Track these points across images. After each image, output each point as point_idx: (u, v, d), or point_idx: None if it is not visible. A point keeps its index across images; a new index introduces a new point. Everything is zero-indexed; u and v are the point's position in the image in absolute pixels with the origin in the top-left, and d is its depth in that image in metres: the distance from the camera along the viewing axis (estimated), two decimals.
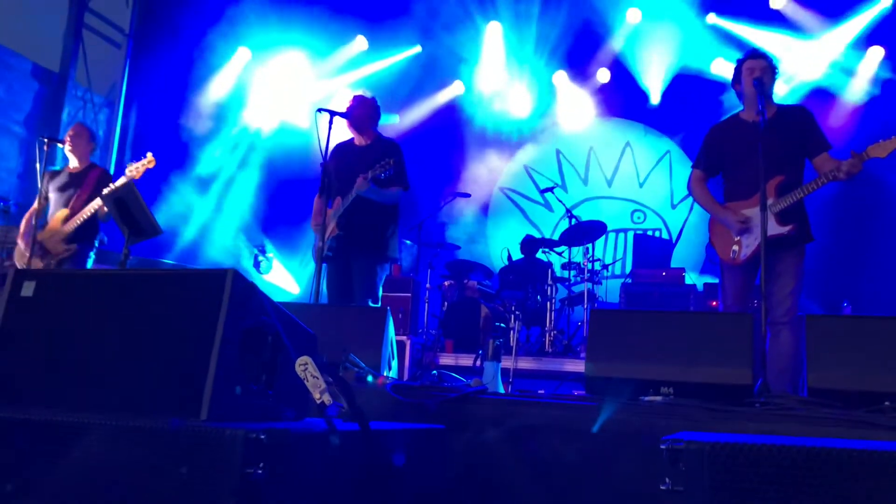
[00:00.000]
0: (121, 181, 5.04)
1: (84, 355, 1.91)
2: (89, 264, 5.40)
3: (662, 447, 1.61)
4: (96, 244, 5.47)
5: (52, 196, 5.43)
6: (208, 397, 1.73)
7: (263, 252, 9.21)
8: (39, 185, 5.31)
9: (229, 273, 1.87)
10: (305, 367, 1.87)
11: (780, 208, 3.92)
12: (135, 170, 5.07)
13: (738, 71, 4.23)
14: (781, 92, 7.97)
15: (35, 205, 5.50)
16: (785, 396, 2.81)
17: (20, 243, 5.41)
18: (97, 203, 5.14)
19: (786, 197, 3.91)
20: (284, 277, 9.40)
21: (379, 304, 4.91)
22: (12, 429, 1.76)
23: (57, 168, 5.70)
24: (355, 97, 5.02)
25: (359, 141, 5.04)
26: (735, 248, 4.09)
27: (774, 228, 3.88)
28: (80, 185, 5.39)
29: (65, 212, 5.31)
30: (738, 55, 4.35)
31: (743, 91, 4.20)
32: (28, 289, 2.06)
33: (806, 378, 2.89)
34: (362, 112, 4.96)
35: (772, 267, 3.88)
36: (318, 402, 1.82)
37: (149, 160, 5.08)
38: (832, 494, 1.47)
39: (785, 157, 3.97)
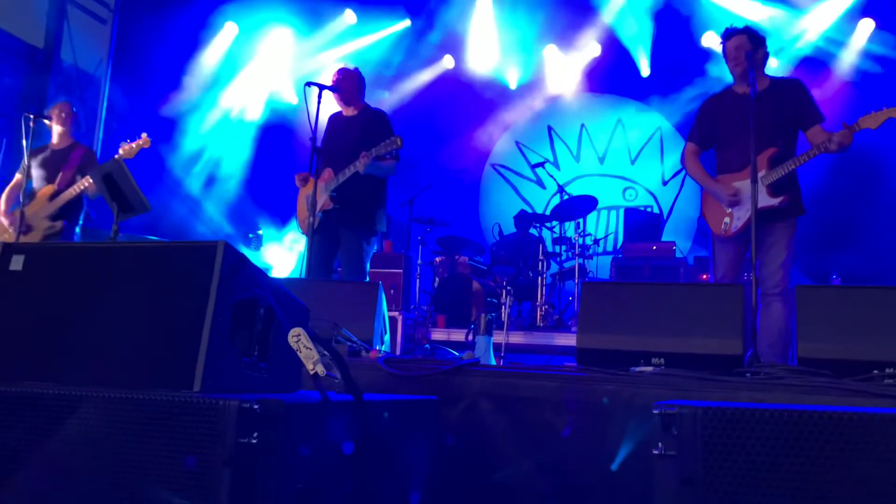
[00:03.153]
0: (115, 158, 5.01)
1: (75, 329, 1.90)
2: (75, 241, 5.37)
3: (655, 412, 1.63)
4: (81, 221, 5.44)
5: (35, 173, 5.38)
6: (201, 369, 1.73)
7: (254, 229, 9.16)
8: (25, 162, 5.25)
9: (220, 245, 1.85)
10: (298, 338, 1.87)
11: (772, 180, 3.94)
12: (128, 149, 5.03)
13: (724, 49, 4.22)
14: (773, 64, 7.96)
15: (15, 179, 5.47)
16: (775, 366, 2.83)
17: (3, 220, 5.37)
18: (87, 180, 5.11)
19: (777, 169, 3.92)
20: (275, 254, 9.37)
21: (366, 279, 4.91)
22: (4, 402, 1.75)
23: (41, 145, 5.64)
24: (340, 70, 5.07)
25: (346, 112, 5.06)
26: (727, 220, 4.12)
27: (766, 200, 3.90)
28: (66, 162, 5.36)
29: (51, 188, 5.28)
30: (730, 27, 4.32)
31: (732, 68, 4.20)
32: (17, 263, 2.04)
33: (796, 348, 2.91)
34: (350, 84, 5.00)
35: (763, 239, 3.93)
36: (312, 372, 1.82)
37: (144, 140, 5.04)
38: (822, 457, 1.48)
39: (777, 130, 3.97)
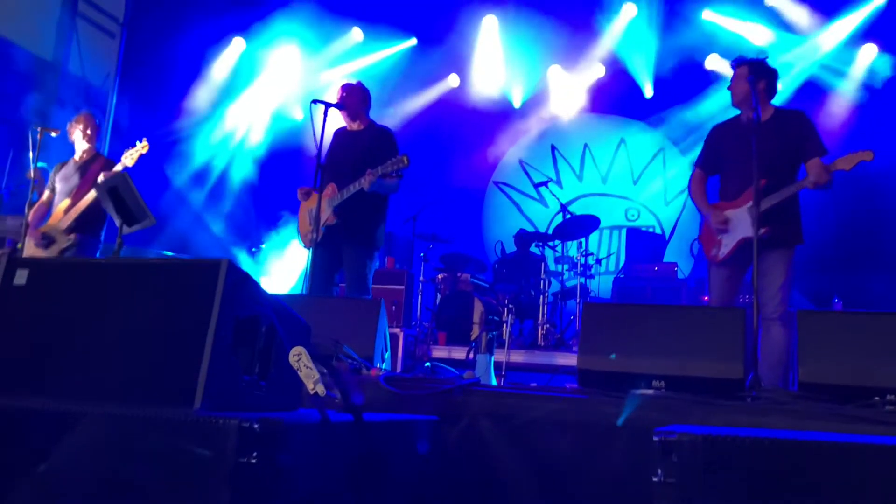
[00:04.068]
0: (115, 169, 5.02)
1: (78, 344, 1.91)
2: (94, 254, 5.34)
3: (655, 439, 1.62)
4: (102, 234, 5.39)
5: (58, 186, 5.37)
6: (202, 387, 1.73)
7: (257, 244, 9.18)
8: (30, 175, 5.26)
9: (223, 263, 1.86)
10: (299, 357, 1.87)
11: (760, 211, 3.86)
12: (129, 157, 5.04)
13: (733, 77, 4.29)
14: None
15: (42, 197, 5.45)
16: (776, 391, 2.82)
17: (31, 235, 5.32)
18: (94, 193, 5.10)
19: (764, 200, 3.86)
20: (277, 268, 9.38)
21: (370, 296, 4.91)
22: (5, 417, 1.76)
23: (64, 160, 5.62)
24: (344, 86, 5.08)
25: (352, 127, 5.08)
26: (716, 246, 4.17)
27: (749, 230, 3.88)
28: (84, 176, 5.32)
29: (67, 202, 5.26)
30: (734, 51, 4.41)
31: (732, 96, 4.27)
32: (21, 277, 2.05)
33: (797, 373, 2.90)
34: (354, 98, 5.01)
35: (758, 265, 3.86)
36: (312, 392, 1.83)
37: (143, 146, 5.04)
38: (822, 487, 1.48)
39: (774, 161, 3.95)
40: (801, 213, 4.13)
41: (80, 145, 5.48)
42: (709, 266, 4.32)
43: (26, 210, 5.17)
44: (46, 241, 5.17)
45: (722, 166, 4.33)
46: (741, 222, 4.03)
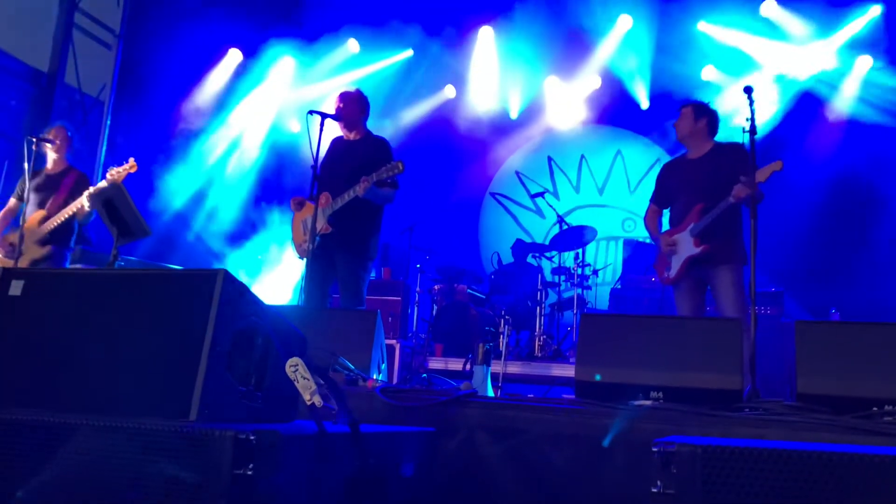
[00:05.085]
0: (100, 185, 5.03)
1: (73, 355, 1.90)
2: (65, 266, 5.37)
3: (654, 450, 1.61)
4: (72, 246, 5.44)
5: (31, 197, 5.38)
6: (198, 398, 1.72)
7: (252, 254, 9.16)
8: (26, 185, 5.27)
9: (220, 273, 1.86)
10: (296, 368, 1.86)
11: (697, 231, 4.39)
12: (116, 174, 5.03)
13: (678, 116, 4.77)
14: (772, 97, 8.05)
15: (8, 204, 5.49)
16: (774, 402, 2.82)
17: None
18: (76, 205, 5.14)
19: (702, 219, 4.37)
20: (273, 278, 9.37)
21: (364, 305, 4.90)
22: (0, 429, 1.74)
23: (37, 169, 5.65)
24: (341, 95, 5.07)
25: (348, 136, 5.08)
26: (667, 269, 4.57)
27: (690, 249, 4.40)
28: (57, 188, 5.37)
29: (41, 213, 5.28)
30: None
31: (680, 132, 4.73)
32: (16, 288, 2.04)
33: (795, 383, 2.90)
34: (352, 108, 5.01)
35: (710, 283, 4.40)
36: (309, 403, 1.82)
37: (130, 165, 5.05)
38: (820, 499, 1.47)
39: (712, 188, 4.36)
40: (743, 234, 4.44)
41: (51, 156, 5.53)
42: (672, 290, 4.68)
43: None
44: (15, 249, 5.17)
45: (671, 199, 4.76)
46: (685, 243, 4.46)
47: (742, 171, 4.22)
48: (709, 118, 4.66)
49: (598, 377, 3.06)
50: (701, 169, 4.50)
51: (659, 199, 4.89)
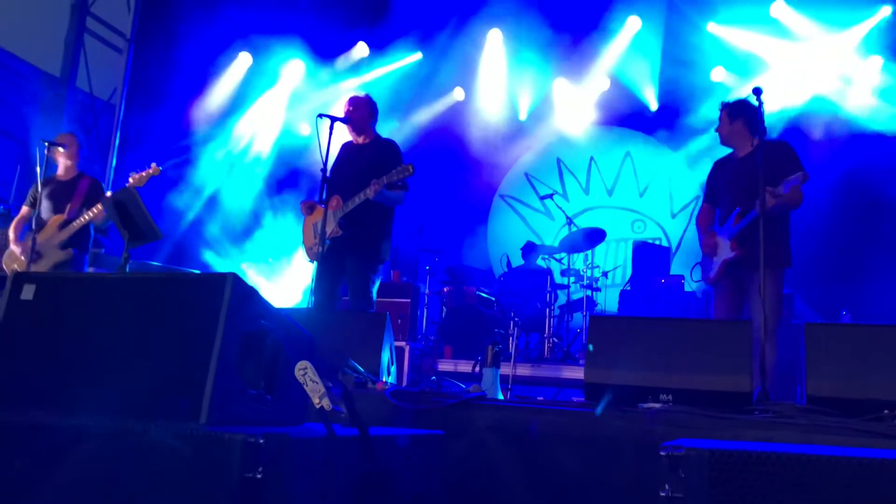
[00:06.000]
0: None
1: (84, 359, 1.91)
2: (85, 269, 5.47)
3: (662, 454, 1.61)
4: (90, 249, 5.52)
5: (44, 203, 5.48)
6: (208, 401, 1.73)
7: (263, 257, 9.19)
8: (38, 192, 5.33)
9: (229, 277, 1.87)
10: (305, 371, 1.87)
11: (734, 234, 4.34)
12: (138, 178, 5.10)
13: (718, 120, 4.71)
14: (779, 100, 8.00)
15: (22, 211, 5.58)
16: (784, 405, 2.81)
17: (14, 248, 5.45)
18: (95, 210, 5.20)
19: (739, 223, 4.33)
20: (284, 281, 9.39)
21: (373, 308, 4.90)
22: (12, 432, 1.76)
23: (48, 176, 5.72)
24: (351, 99, 5.08)
25: (357, 140, 5.09)
26: (710, 269, 4.56)
27: (726, 253, 4.38)
28: (72, 194, 5.49)
29: (60, 217, 5.37)
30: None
31: (722, 137, 4.67)
32: (28, 292, 2.06)
33: (805, 386, 2.89)
34: (361, 112, 5.02)
35: (747, 287, 4.36)
36: (318, 406, 1.82)
37: (153, 169, 5.11)
38: (830, 502, 1.47)
39: (751, 189, 4.23)
40: (790, 237, 4.43)
41: (63, 163, 5.64)
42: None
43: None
44: (36, 255, 5.26)
45: (719, 198, 4.70)
46: (723, 245, 4.44)
47: (784, 169, 4.18)
48: (745, 117, 4.55)
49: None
50: (743, 169, 4.42)
51: (710, 198, 4.82)
